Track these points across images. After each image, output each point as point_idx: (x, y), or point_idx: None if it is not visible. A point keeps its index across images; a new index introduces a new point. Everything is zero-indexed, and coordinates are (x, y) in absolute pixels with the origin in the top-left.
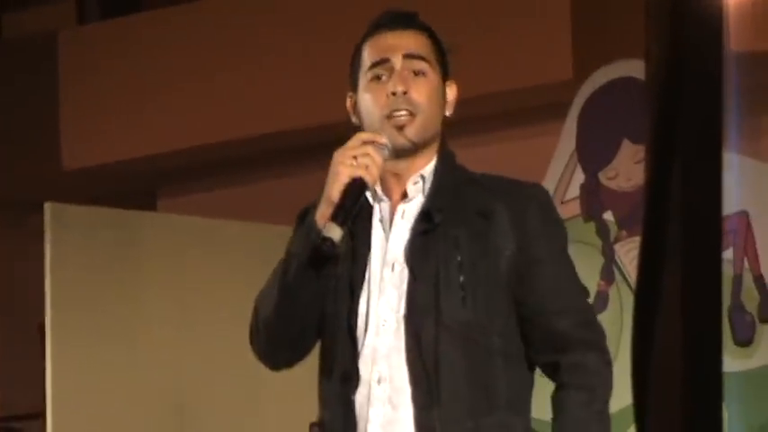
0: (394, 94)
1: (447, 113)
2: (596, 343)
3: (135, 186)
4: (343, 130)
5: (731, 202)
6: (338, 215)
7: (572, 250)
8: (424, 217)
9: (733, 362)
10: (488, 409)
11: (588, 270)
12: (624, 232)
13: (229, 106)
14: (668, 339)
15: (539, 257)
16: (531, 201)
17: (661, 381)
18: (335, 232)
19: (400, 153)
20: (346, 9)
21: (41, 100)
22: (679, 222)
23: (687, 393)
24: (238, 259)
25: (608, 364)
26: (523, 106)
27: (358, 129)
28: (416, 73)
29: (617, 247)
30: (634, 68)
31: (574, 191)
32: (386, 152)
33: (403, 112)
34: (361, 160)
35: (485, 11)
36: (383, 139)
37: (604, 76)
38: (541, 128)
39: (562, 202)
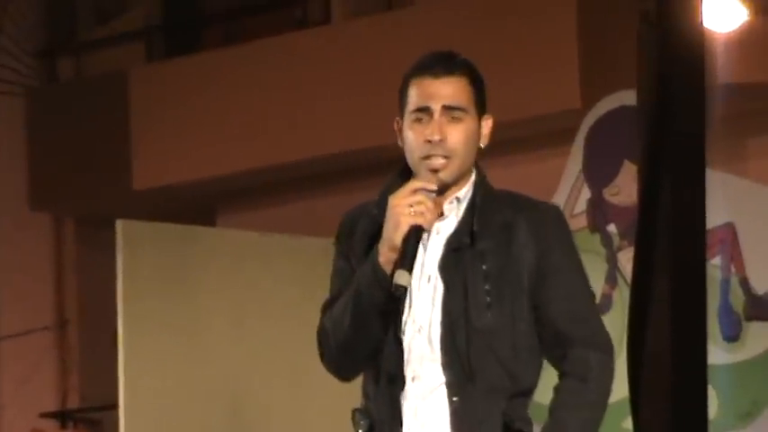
0: (430, 141)
1: (482, 145)
2: (600, 345)
3: (197, 205)
4: (384, 153)
5: (720, 214)
6: (405, 262)
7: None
8: (457, 236)
9: (722, 355)
10: (515, 393)
11: (594, 276)
12: (626, 242)
13: (281, 133)
14: (658, 338)
15: (555, 266)
16: (547, 215)
17: (652, 374)
18: (405, 278)
19: (439, 187)
20: (388, 44)
21: (115, 129)
22: (668, 232)
23: (675, 386)
24: (289, 269)
25: (607, 364)
26: (537, 132)
27: (402, 151)
28: (454, 119)
29: (620, 255)
30: (634, 98)
31: (581, 206)
32: (434, 195)
33: (439, 159)
34: (417, 208)
35: (501, 48)
36: (432, 186)
37: (607, 105)
38: (552, 151)
39: (571, 216)
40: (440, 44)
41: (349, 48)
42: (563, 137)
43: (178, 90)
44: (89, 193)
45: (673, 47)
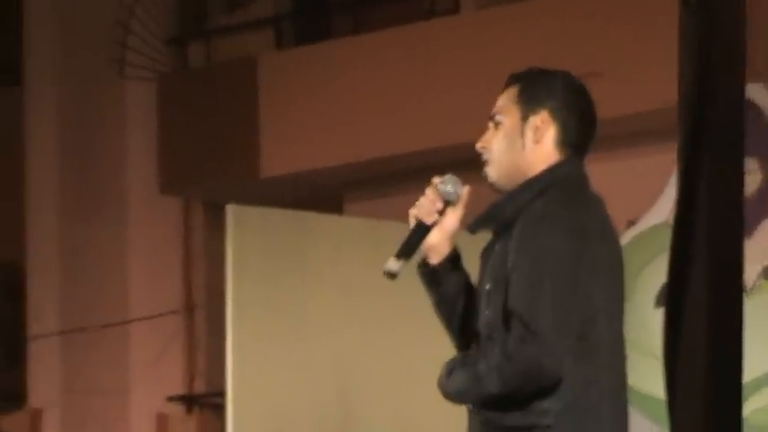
0: None
1: (533, 143)
2: (527, 330)
3: (324, 192)
4: None
5: None
6: (399, 249)
7: None
8: (489, 246)
9: None
10: None
11: None
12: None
13: (409, 122)
14: (693, 333)
15: (515, 266)
16: (523, 217)
17: (687, 371)
18: (392, 265)
19: (498, 189)
20: (515, 35)
21: (244, 115)
22: (705, 225)
23: (709, 384)
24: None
25: (520, 354)
26: (656, 125)
27: None
28: (495, 125)
29: None
30: (757, 91)
31: None
32: (447, 189)
33: (485, 162)
34: (419, 201)
35: (625, 40)
36: (436, 179)
37: None
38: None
39: None
40: (568, 35)
41: (477, 38)
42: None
43: (307, 77)
44: (218, 178)
45: (713, 34)
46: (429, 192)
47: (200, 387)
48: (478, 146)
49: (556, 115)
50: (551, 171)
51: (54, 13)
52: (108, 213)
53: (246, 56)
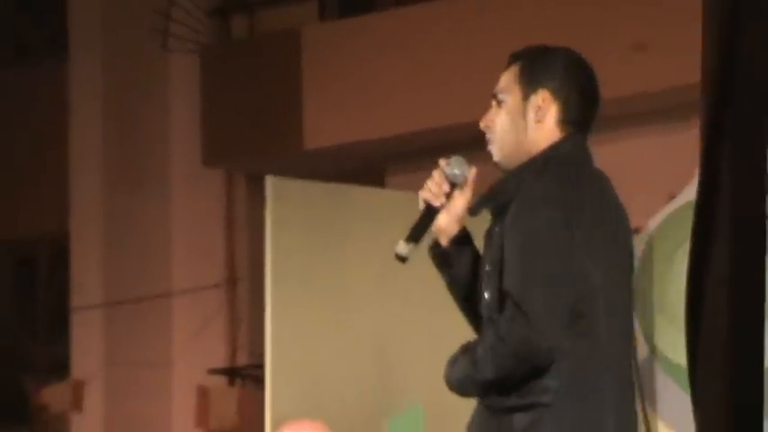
0: None
1: (535, 121)
2: (521, 313)
3: (366, 165)
4: None
5: None
6: (408, 234)
7: None
8: (489, 229)
9: None
10: None
11: None
12: None
13: (451, 95)
14: (715, 312)
15: (508, 247)
16: (518, 197)
17: (708, 349)
18: (402, 249)
19: (502, 168)
20: (556, 13)
21: (287, 87)
22: (727, 208)
23: (730, 359)
24: None
25: (513, 334)
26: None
27: None
28: (498, 104)
29: None
30: None
31: None
32: (454, 172)
33: (488, 141)
34: (426, 184)
35: (665, 20)
36: (442, 162)
37: None
38: None
39: None
40: (613, 7)
41: (520, 11)
42: None
43: (350, 50)
44: (260, 150)
45: (737, 14)
46: (435, 174)
47: (242, 360)
48: (482, 125)
49: (557, 94)
50: (552, 149)
51: None
52: (151, 185)
53: (290, 28)
